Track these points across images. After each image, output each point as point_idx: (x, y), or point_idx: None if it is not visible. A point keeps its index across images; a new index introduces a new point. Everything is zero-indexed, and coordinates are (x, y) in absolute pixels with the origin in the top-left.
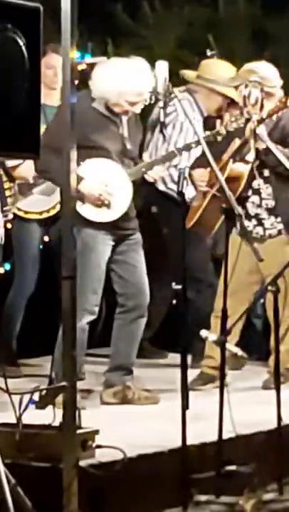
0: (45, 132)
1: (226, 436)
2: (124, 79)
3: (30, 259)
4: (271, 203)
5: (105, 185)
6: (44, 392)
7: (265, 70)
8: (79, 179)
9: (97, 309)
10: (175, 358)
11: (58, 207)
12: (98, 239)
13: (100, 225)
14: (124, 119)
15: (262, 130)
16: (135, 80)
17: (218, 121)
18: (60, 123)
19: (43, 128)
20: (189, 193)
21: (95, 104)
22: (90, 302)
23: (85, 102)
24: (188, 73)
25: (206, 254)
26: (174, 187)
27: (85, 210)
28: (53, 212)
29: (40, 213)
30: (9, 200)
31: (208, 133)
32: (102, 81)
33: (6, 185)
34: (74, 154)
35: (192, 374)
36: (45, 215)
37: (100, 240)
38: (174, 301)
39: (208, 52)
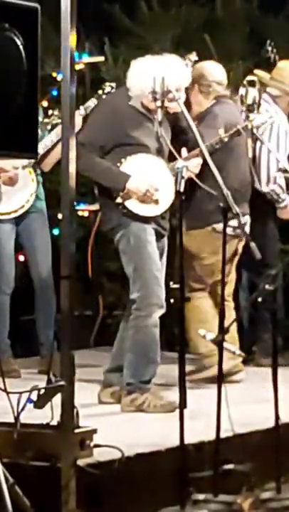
0: (85, 129)
1: (223, 435)
2: (160, 75)
3: (7, 257)
4: None
5: (151, 180)
6: (42, 391)
7: None
8: (126, 177)
9: (164, 302)
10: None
11: (27, 205)
12: (148, 230)
13: (146, 218)
14: (159, 117)
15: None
16: (171, 77)
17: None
18: (100, 121)
19: None
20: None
21: (132, 101)
22: (158, 295)
23: (122, 100)
24: (262, 74)
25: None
26: None
27: (132, 204)
28: (21, 212)
29: (9, 213)
30: None
31: (212, 141)
32: (138, 78)
33: None
34: (73, 144)
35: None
36: (13, 215)
37: (150, 232)
38: (172, 300)
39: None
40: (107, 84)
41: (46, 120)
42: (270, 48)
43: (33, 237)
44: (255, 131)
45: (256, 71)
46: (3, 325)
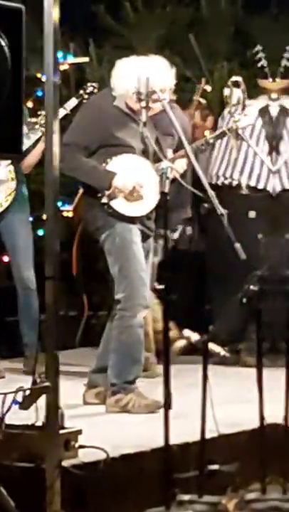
0: (70, 130)
1: (208, 435)
2: (144, 76)
3: None
4: None
5: (137, 178)
6: (27, 392)
7: None
8: (111, 175)
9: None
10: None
11: (5, 204)
12: (134, 231)
13: (131, 219)
14: (144, 117)
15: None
16: (155, 77)
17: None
18: (84, 121)
19: None
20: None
21: (116, 102)
22: (143, 296)
23: (106, 100)
24: None
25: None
26: None
27: (118, 204)
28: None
29: None
30: None
31: (198, 143)
32: (122, 78)
33: None
34: (56, 137)
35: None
36: None
37: (135, 232)
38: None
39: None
40: (89, 84)
41: (34, 120)
42: (261, 55)
43: (15, 237)
44: (240, 132)
45: None
46: None
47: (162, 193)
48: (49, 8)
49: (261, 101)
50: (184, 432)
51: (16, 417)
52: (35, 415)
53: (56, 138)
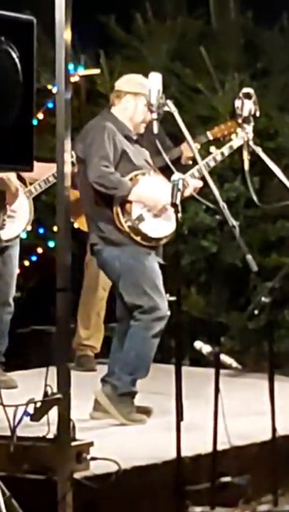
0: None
1: (220, 447)
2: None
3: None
4: None
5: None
6: (38, 404)
7: None
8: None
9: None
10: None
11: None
12: (151, 257)
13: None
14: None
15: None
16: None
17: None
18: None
19: None
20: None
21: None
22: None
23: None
24: None
25: None
26: None
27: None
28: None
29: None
30: None
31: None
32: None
33: None
34: (68, 158)
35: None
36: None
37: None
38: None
39: None
40: None
41: None
42: None
43: (10, 262)
44: (251, 143)
45: None
46: None
47: (173, 205)
48: (60, 20)
49: None
50: (196, 443)
51: (28, 429)
52: (47, 427)
53: (68, 153)
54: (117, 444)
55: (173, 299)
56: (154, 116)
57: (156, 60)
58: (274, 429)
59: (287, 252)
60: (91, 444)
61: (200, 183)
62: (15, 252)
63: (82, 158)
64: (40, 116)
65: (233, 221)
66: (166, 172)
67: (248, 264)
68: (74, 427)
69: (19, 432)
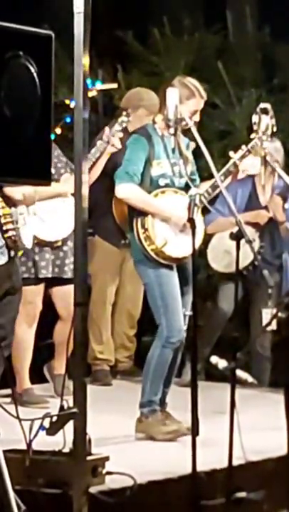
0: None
1: (236, 462)
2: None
3: None
4: None
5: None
6: (54, 418)
7: None
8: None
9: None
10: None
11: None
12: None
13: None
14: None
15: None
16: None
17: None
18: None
19: None
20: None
21: None
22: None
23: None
24: None
25: None
26: None
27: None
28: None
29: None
30: None
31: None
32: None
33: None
34: (86, 170)
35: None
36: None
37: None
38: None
39: None
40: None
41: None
42: None
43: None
44: (268, 158)
45: None
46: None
47: (190, 219)
48: (78, 34)
49: None
50: (211, 458)
51: (44, 443)
52: (63, 441)
53: (86, 165)
54: (133, 459)
55: (190, 313)
56: (171, 131)
57: (173, 75)
58: None
59: None
60: (107, 458)
61: None
62: None
63: None
64: (58, 131)
65: (249, 236)
66: None
67: (264, 279)
68: (90, 441)
69: (35, 446)
